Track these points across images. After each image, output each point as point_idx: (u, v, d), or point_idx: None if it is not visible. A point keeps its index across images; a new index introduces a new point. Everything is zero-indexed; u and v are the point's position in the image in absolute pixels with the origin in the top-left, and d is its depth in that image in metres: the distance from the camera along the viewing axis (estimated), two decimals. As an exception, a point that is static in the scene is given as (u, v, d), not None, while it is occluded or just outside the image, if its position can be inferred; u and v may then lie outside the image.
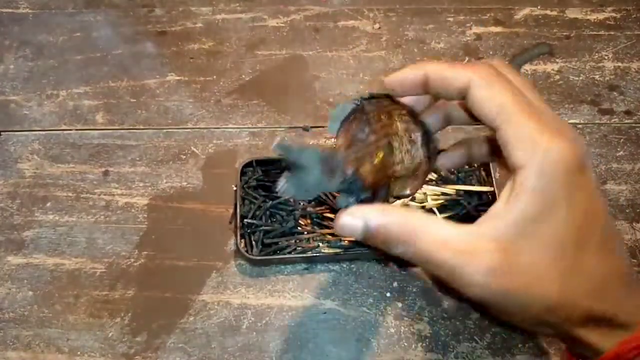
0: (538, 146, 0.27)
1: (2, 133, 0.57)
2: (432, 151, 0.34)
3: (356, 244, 0.49)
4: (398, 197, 0.36)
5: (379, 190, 0.32)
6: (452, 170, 0.53)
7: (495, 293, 0.27)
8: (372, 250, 0.48)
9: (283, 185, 0.30)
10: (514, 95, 0.28)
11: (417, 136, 0.33)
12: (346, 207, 0.31)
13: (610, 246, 0.29)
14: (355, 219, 0.29)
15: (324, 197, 0.50)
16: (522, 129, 0.27)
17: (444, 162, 0.39)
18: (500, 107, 0.28)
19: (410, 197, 0.50)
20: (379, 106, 0.32)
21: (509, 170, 0.29)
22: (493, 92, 0.29)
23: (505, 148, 0.28)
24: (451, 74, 0.30)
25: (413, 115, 0.33)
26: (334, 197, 0.51)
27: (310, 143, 0.57)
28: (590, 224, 0.28)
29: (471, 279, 0.27)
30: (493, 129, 0.29)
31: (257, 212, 0.50)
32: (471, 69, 0.29)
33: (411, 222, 0.29)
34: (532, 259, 0.27)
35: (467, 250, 0.27)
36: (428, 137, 0.33)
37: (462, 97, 0.30)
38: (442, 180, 0.52)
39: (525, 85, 0.31)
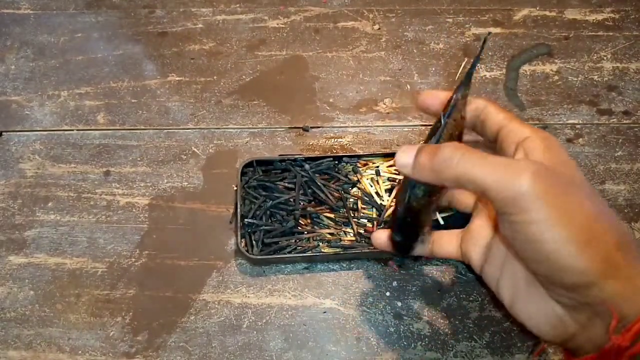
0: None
1: (3, 133, 0.58)
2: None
3: (358, 242, 0.49)
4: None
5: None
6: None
7: (539, 194, 0.30)
8: (373, 250, 0.48)
9: None
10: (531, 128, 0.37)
11: None
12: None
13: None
14: (410, 150, 0.36)
15: (324, 197, 0.51)
16: (519, 123, 0.37)
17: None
18: (505, 115, 0.38)
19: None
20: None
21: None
22: (498, 110, 0.39)
23: (507, 138, 0.37)
24: (474, 100, 0.41)
25: None
26: (334, 197, 0.51)
27: (310, 143, 0.57)
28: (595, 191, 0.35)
29: (519, 184, 0.30)
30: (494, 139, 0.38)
31: (258, 212, 0.50)
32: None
33: (460, 145, 0.34)
34: (568, 173, 0.33)
35: (512, 162, 0.32)
36: None
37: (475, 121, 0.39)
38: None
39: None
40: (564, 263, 0.30)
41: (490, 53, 0.63)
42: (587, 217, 0.30)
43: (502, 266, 0.37)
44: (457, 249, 0.42)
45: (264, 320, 0.47)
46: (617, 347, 0.30)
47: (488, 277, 0.39)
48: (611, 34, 0.65)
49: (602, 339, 0.31)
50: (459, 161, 0.32)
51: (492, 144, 0.39)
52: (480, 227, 0.40)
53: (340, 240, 0.49)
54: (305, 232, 0.50)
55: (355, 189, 0.52)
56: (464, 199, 0.43)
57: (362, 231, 0.50)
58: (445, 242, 0.43)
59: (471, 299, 0.48)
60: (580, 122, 0.59)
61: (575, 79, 0.62)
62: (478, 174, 0.31)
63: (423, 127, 0.58)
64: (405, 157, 0.36)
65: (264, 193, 0.51)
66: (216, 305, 0.48)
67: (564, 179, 0.32)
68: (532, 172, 0.30)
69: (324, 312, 0.47)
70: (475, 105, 0.39)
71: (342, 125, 0.58)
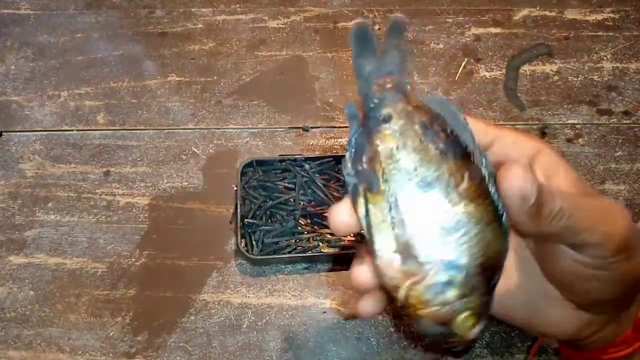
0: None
1: (3, 133, 0.58)
2: None
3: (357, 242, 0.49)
4: None
5: (368, 173, 0.27)
6: None
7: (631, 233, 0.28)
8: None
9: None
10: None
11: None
12: (348, 114, 0.28)
13: None
14: (529, 174, 0.26)
15: (324, 197, 0.51)
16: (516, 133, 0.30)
17: None
18: (487, 125, 0.30)
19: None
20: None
21: None
22: (476, 120, 0.30)
23: (510, 151, 0.30)
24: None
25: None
26: (334, 197, 0.51)
27: (310, 143, 0.57)
28: None
29: (626, 231, 0.27)
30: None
31: (258, 212, 0.50)
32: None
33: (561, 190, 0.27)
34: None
35: (607, 206, 0.28)
36: None
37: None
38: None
39: None
40: (628, 280, 0.29)
41: (490, 53, 0.63)
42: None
43: (513, 290, 0.35)
44: None
45: (264, 320, 0.47)
46: None
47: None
48: (611, 34, 0.65)
49: (624, 325, 0.32)
50: (571, 213, 0.26)
51: None
52: None
53: (340, 240, 0.49)
54: (305, 232, 0.50)
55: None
56: None
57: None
58: None
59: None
60: (580, 122, 0.59)
61: (575, 79, 0.62)
62: (580, 223, 0.27)
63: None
64: (528, 183, 0.25)
65: (264, 193, 0.51)
66: (216, 305, 0.48)
67: None
68: (625, 217, 0.28)
69: (324, 312, 0.47)
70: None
71: (342, 125, 0.58)
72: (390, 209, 0.26)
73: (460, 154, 0.26)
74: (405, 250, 0.25)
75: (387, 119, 0.27)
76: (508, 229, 0.26)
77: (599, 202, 0.29)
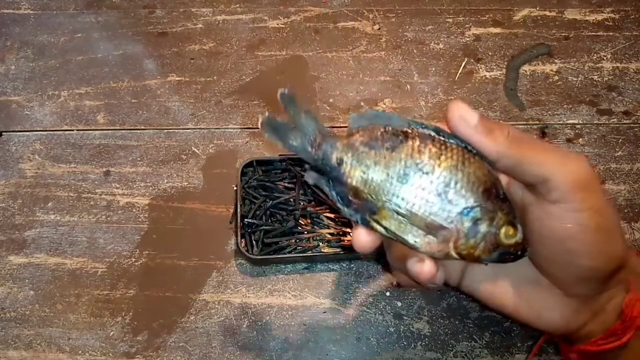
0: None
1: (3, 133, 0.58)
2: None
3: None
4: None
5: (362, 204, 0.31)
6: None
7: (597, 183, 0.31)
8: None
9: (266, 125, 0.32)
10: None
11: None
12: (314, 185, 0.32)
13: None
14: (469, 108, 0.31)
15: (324, 197, 0.51)
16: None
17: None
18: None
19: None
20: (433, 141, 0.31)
21: None
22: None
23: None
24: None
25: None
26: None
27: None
28: None
29: (584, 173, 0.31)
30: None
31: (258, 212, 0.50)
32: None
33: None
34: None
35: (567, 151, 0.32)
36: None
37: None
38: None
39: None
40: (609, 249, 0.32)
41: (490, 53, 0.63)
42: (615, 211, 0.33)
43: (495, 278, 0.36)
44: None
45: (264, 320, 0.47)
46: (629, 318, 0.32)
47: (475, 291, 0.37)
48: (611, 34, 0.65)
49: (612, 318, 0.33)
50: (530, 143, 0.31)
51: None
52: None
53: (340, 240, 0.49)
54: (305, 232, 0.50)
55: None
56: None
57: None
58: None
59: (471, 298, 0.48)
60: (580, 122, 0.59)
61: (575, 79, 0.62)
62: (543, 159, 0.30)
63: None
64: (468, 111, 0.31)
65: (264, 193, 0.51)
66: (216, 305, 0.48)
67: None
68: (588, 163, 0.31)
69: (324, 312, 0.47)
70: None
71: (342, 125, 0.58)
72: (397, 213, 0.30)
73: (404, 137, 0.30)
74: (430, 228, 0.31)
75: (340, 162, 0.31)
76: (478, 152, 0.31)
77: (557, 148, 0.32)
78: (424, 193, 0.30)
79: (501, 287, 0.36)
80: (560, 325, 0.35)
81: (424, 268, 0.31)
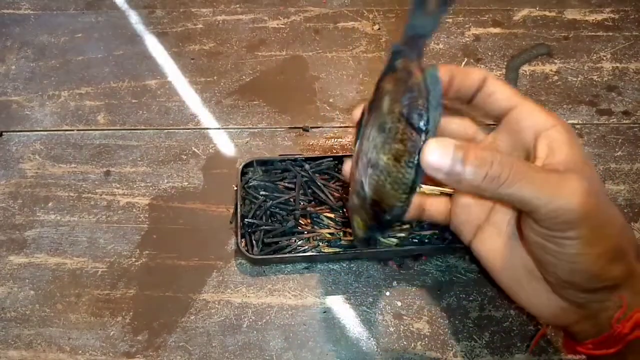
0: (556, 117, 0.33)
1: (3, 133, 0.58)
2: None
3: (360, 243, 0.49)
4: None
5: None
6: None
7: (587, 215, 0.30)
8: (373, 250, 0.48)
9: None
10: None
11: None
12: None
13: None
14: (445, 148, 0.30)
15: (324, 197, 0.51)
16: (536, 105, 0.34)
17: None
18: (514, 91, 0.34)
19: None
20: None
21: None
22: (504, 84, 0.35)
23: (524, 120, 0.34)
24: (471, 71, 0.35)
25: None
26: (334, 197, 0.51)
27: (310, 143, 0.57)
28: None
29: (572, 208, 0.30)
30: (502, 115, 0.35)
31: (258, 212, 0.50)
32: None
33: (504, 156, 0.31)
34: (598, 186, 0.32)
35: (562, 181, 0.30)
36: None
37: (474, 93, 0.35)
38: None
39: None
40: (594, 273, 0.31)
41: (490, 53, 0.63)
42: (619, 233, 0.32)
43: (502, 253, 0.37)
44: (445, 217, 0.41)
45: (264, 320, 0.47)
46: (618, 334, 0.32)
47: (481, 254, 0.38)
48: (611, 34, 0.65)
49: (604, 324, 0.33)
50: (509, 180, 0.29)
51: (486, 117, 0.36)
52: (470, 207, 0.39)
53: (340, 240, 0.50)
54: (305, 232, 0.50)
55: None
56: (436, 212, 0.41)
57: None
58: (435, 210, 0.41)
59: (471, 298, 0.48)
60: (580, 122, 0.59)
61: (575, 79, 0.62)
62: (527, 193, 0.29)
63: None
64: (440, 158, 0.30)
65: (264, 193, 0.51)
66: (216, 305, 0.48)
67: (602, 195, 0.32)
68: (582, 194, 0.29)
69: (324, 312, 0.48)
70: (474, 76, 0.35)
71: (342, 125, 0.58)
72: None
73: (415, 124, 0.31)
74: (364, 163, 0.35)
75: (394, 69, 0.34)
76: (411, 193, 0.32)
77: (557, 177, 0.30)
78: (373, 146, 0.34)
79: (501, 261, 0.37)
80: (548, 318, 0.36)
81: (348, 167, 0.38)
